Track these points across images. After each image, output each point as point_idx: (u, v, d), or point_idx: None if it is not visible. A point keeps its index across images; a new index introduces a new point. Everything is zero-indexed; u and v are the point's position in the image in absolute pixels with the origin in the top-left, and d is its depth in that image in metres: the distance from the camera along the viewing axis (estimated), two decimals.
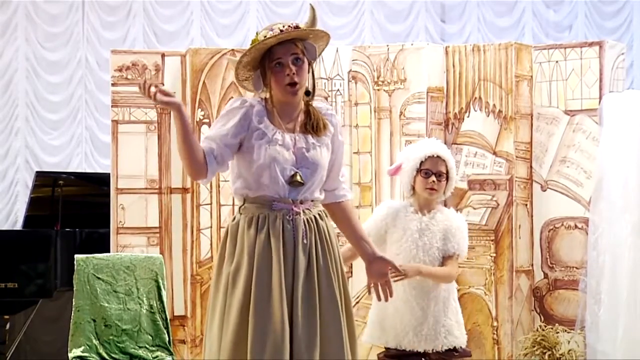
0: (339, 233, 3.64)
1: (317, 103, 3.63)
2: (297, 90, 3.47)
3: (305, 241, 3.44)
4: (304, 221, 3.45)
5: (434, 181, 4.24)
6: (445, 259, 4.27)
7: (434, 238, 4.23)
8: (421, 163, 4.27)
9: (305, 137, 3.49)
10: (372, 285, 3.64)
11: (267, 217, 3.44)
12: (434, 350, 4.21)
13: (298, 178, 3.45)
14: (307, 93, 3.54)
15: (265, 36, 3.42)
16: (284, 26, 3.44)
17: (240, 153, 3.49)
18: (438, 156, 4.28)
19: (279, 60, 3.44)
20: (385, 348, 4.33)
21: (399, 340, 4.22)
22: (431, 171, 4.25)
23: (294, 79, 3.44)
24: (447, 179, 4.30)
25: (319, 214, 3.52)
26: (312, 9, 3.52)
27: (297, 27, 3.46)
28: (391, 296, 3.60)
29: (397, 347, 4.23)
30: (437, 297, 4.26)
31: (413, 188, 4.31)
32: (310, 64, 3.53)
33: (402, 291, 4.19)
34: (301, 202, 3.47)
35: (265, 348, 3.31)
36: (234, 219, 3.53)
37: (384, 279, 3.59)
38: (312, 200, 3.51)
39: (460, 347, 4.29)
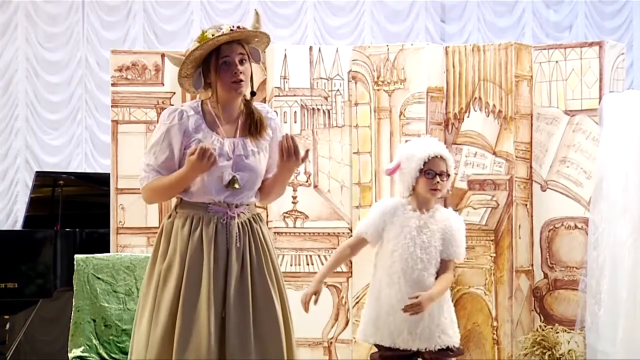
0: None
1: (258, 104, 3.66)
2: (242, 89, 3.51)
3: (238, 244, 3.47)
4: (238, 225, 3.49)
5: (438, 182, 4.21)
6: (444, 262, 4.25)
7: (433, 237, 4.21)
8: (424, 163, 4.23)
9: (244, 141, 3.52)
10: None
11: (201, 219, 3.48)
12: (427, 349, 4.20)
13: (236, 185, 3.49)
14: (253, 94, 3.58)
15: (213, 34, 3.46)
16: (233, 26, 3.50)
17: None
18: (439, 156, 4.26)
19: (226, 59, 3.48)
20: (377, 347, 4.31)
21: (393, 339, 4.20)
22: (434, 172, 4.22)
23: (239, 77, 3.47)
24: (448, 177, 4.29)
25: (253, 218, 3.56)
26: (257, 13, 3.59)
27: (244, 28, 3.52)
28: None
29: (391, 345, 4.21)
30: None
31: (413, 188, 4.28)
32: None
33: (398, 289, 4.17)
34: (236, 206, 3.51)
35: (189, 348, 3.35)
36: (169, 216, 3.56)
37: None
38: (247, 205, 3.55)
39: (454, 346, 4.28)
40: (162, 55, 6.13)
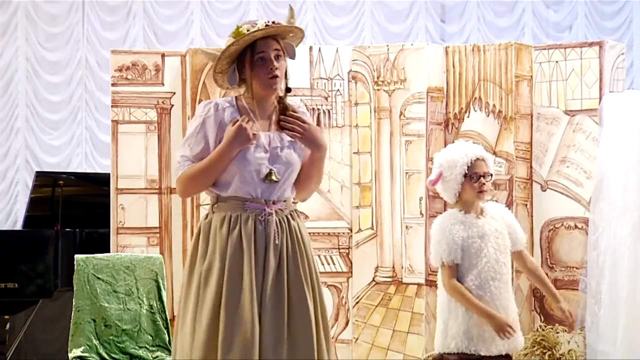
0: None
1: (288, 100, 3.64)
2: (277, 85, 3.49)
3: (277, 242, 3.45)
4: (276, 222, 3.46)
5: (484, 184, 4.18)
6: (520, 254, 4.26)
7: (504, 238, 4.19)
8: (468, 168, 4.20)
9: (280, 135, 3.51)
10: None
11: (239, 217, 3.45)
12: (505, 354, 4.16)
13: (273, 176, 3.46)
14: (288, 90, 3.56)
15: (248, 30, 3.45)
16: (268, 21, 3.48)
17: None
18: (481, 158, 4.23)
19: (262, 55, 3.47)
20: (462, 355, 4.22)
21: (488, 347, 4.14)
22: (479, 174, 4.19)
23: (275, 73, 3.46)
24: (491, 177, 4.26)
25: (290, 214, 3.53)
26: (291, 8, 3.57)
27: (279, 23, 3.51)
28: None
29: (486, 353, 4.13)
30: (512, 298, 4.23)
31: (459, 194, 4.23)
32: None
33: (490, 298, 4.11)
34: (274, 202, 3.48)
35: (235, 348, 3.33)
36: (207, 217, 3.54)
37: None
38: (284, 201, 3.52)
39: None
40: (162, 55, 6.13)
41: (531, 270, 4.35)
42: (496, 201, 5.76)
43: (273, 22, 3.48)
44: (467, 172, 4.18)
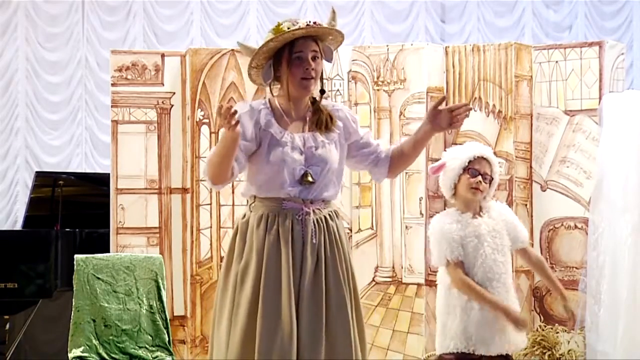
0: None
1: (323, 102, 3.63)
2: (311, 86, 3.48)
3: (314, 241, 3.43)
4: (313, 221, 3.44)
5: (479, 181, 4.18)
6: (524, 251, 4.26)
7: (503, 238, 4.19)
8: (469, 162, 4.22)
9: (314, 135, 3.50)
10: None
11: (276, 216, 3.44)
12: (505, 354, 4.16)
13: (309, 178, 3.45)
14: (322, 91, 3.55)
15: (289, 27, 3.44)
16: (310, 21, 3.47)
17: (251, 156, 3.51)
18: (486, 158, 4.24)
19: (299, 54, 3.46)
20: (460, 355, 4.22)
21: (487, 347, 4.14)
22: (478, 171, 4.19)
23: (311, 74, 3.45)
24: (490, 182, 4.26)
25: (329, 214, 3.51)
26: (333, 11, 3.54)
27: (320, 24, 3.49)
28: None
29: (485, 353, 4.13)
30: (514, 297, 4.23)
31: (454, 188, 4.24)
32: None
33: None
34: (311, 202, 3.47)
35: (274, 348, 3.30)
36: (244, 216, 3.52)
37: (451, 119, 3.63)
38: (322, 200, 3.50)
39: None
40: (162, 55, 6.13)
41: (537, 266, 4.35)
42: (495, 200, 5.76)
43: (314, 23, 3.47)
44: (467, 165, 4.19)
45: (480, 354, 4.09)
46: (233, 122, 3.26)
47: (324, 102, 3.59)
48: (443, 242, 4.15)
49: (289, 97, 3.50)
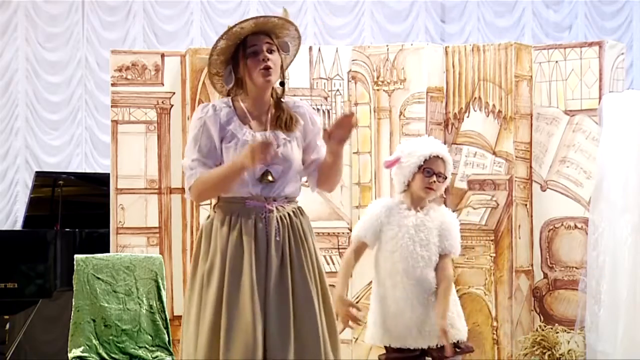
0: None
1: (287, 98, 3.64)
2: (271, 76, 3.49)
3: (278, 238, 3.44)
4: (277, 218, 3.45)
5: (434, 181, 4.21)
6: (442, 257, 4.24)
7: (430, 234, 4.20)
8: (424, 161, 4.23)
9: (275, 133, 3.50)
10: None
11: (239, 216, 3.45)
12: (438, 346, 4.18)
13: (269, 177, 3.46)
14: (282, 84, 3.56)
15: (236, 24, 3.49)
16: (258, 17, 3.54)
17: None
18: (441, 157, 4.25)
19: (253, 48, 3.49)
20: (386, 348, 4.30)
21: (403, 340, 4.18)
22: (433, 171, 4.21)
23: (268, 64, 3.47)
24: (444, 179, 4.28)
25: (293, 211, 3.52)
26: (285, 10, 3.62)
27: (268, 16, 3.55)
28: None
29: (401, 346, 4.19)
30: (437, 291, 4.23)
31: (408, 184, 4.26)
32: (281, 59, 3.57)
33: (402, 289, 4.16)
34: (274, 200, 3.48)
35: (235, 347, 3.32)
36: (208, 217, 3.54)
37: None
38: (285, 198, 3.52)
39: (462, 343, 4.25)
40: (162, 55, 6.13)
41: (438, 277, 4.27)
42: (495, 200, 5.76)
43: (261, 16, 3.54)
44: (422, 164, 4.20)
45: (397, 347, 4.17)
46: (266, 156, 3.32)
47: (286, 99, 3.59)
48: (365, 218, 4.29)
49: (252, 94, 3.52)
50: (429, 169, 4.21)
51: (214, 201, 3.57)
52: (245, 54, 3.48)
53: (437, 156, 4.23)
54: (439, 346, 4.18)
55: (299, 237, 3.50)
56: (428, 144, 4.30)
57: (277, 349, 3.34)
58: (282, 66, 3.55)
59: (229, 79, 3.54)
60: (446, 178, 4.26)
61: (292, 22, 3.58)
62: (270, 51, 3.49)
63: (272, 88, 3.56)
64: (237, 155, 3.42)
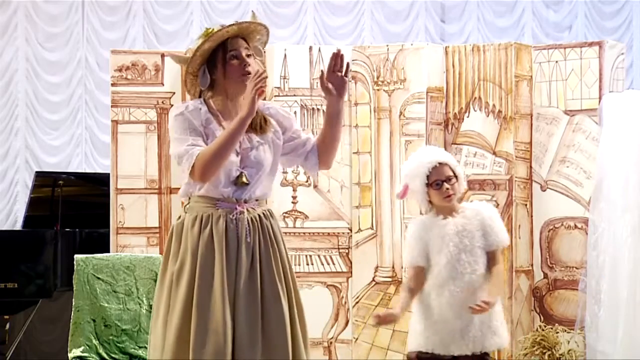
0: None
1: (261, 102, 3.63)
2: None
3: (248, 240, 3.46)
4: (247, 220, 3.47)
5: (448, 188, 4.17)
6: (491, 254, 4.20)
7: (473, 238, 4.16)
8: (427, 176, 4.21)
9: (249, 136, 3.51)
10: None
11: (210, 216, 3.46)
12: (480, 353, 4.15)
13: (244, 179, 3.48)
14: None
15: (219, 29, 3.51)
16: (237, 22, 3.57)
17: None
18: (440, 163, 4.22)
19: (234, 52, 3.51)
20: (420, 355, 4.24)
21: (446, 346, 4.15)
22: (441, 180, 4.18)
23: (249, 69, 3.49)
24: (457, 179, 4.25)
25: (263, 213, 3.54)
26: (254, 14, 3.67)
27: (250, 22, 3.59)
28: None
29: (445, 353, 4.13)
30: (482, 297, 4.21)
31: (429, 202, 4.24)
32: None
33: (449, 296, 4.10)
34: (245, 201, 3.50)
35: (207, 348, 3.33)
36: (179, 217, 3.55)
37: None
38: (256, 200, 3.53)
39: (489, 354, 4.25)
40: (162, 55, 6.13)
41: (491, 272, 4.25)
42: (495, 200, 5.76)
43: (242, 22, 3.57)
44: (427, 180, 4.17)
45: (440, 354, 4.12)
46: (261, 88, 3.37)
47: (261, 102, 3.59)
48: (407, 247, 4.25)
49: (227, 97, 3.54)
50: (437, 180, 4.17)
51: (184, 202, 3.58)
52: (226, 57, 3.51)
53: (438, 164, 4.20)
54: (481, 353, 4.16)
55: (269, 239, 3.51)
56: (423, 157, 4.23)
57: (245, 349, 3.37)
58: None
59: (204, 80, 3.55)
60: (457, 176, 4.22)
61: (267, 27, 3.62)
62: (249, 56, 3.54)
63: None
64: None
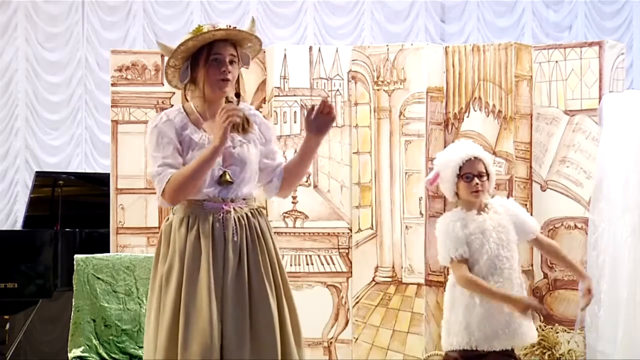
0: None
1: (240, 104, 3.64)
2: (227, 88, 3.51)
3: (235, 239, 3.46)
4: (234, 219, 3.47)
5: (477, 183, 4.16)
6: (536, 241, 4.26)
7: (508, 233, 4.17)
8: (460, 168, 4.20)
9: (231, 135, 3.50)
10: None
11: (197, 217, 3.47)
12: (516, 347, 4.16)
13: (227, 177, 3.48)
14: (237, 95, 3.57)
15: (209, 29, 3.49)
16: (230, 25, 3.53)
17: None
18: (477, 157, 4.22)
19: (217, 56, 3.50)
20: (450, 352, 4.23)
21: (489, 342, 4.13)
22: (472, 174, 4.17)
23: (227, 76, 3.49)
24: (488, 177, 4.24)
25: (251, 212, 3.54)
26: (253, 20, 3.64)
27: (240, 30, 3.56)
28: None
29: (488, 349, 4.10)
30: (522, 291, 4.22)
31: (456, 194, 4.23)
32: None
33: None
34: (232, 201, 3.50)
35: (192, 347, 3.34)
36: (167, 219, 3.56)
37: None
38: (243, 198, 3.53)
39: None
40: (162, 56, 6.12)
41: (551, 253, 4.36)
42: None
43: (235, 27, 3.53)
44: (459, 172, 4.17)
45: (483, 350, 4.09)
46: (232, 120, 3.36)
47: (241, 104, 3.58)
48: (447, 241, 4.15)
49: (205, 99, 3.54)
50: (468, 173, 4.16)
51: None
52: (208, 59, 3.51)
53: (472, 158, 4.19)
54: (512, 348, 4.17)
55: (257, 237, 3.51)
56: (459, 149, 4.23)
57: (233, 348, 3.37)
58: (238, 79, 3.57)
59: (185, 75, 3.55)
60: (489, 175, 4.22)
61: (259, 37, 3.59)
62: (232, 62, 3.52)
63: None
64: (193, 158, 3.43)
